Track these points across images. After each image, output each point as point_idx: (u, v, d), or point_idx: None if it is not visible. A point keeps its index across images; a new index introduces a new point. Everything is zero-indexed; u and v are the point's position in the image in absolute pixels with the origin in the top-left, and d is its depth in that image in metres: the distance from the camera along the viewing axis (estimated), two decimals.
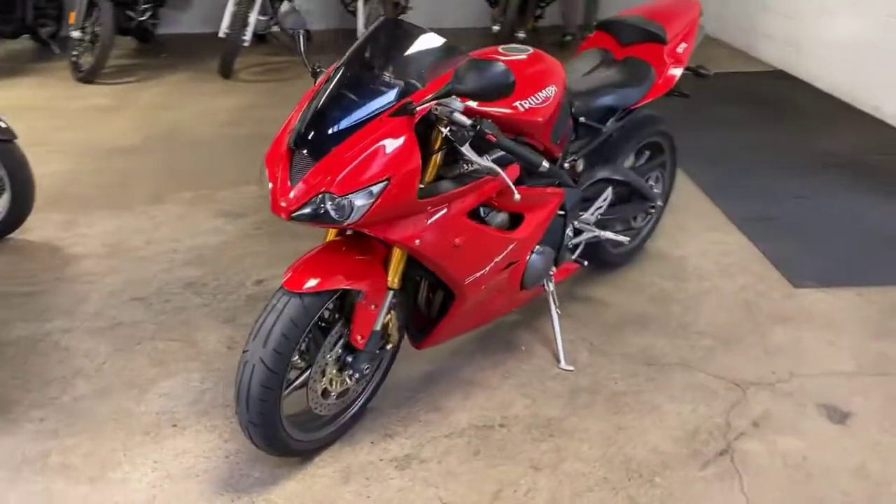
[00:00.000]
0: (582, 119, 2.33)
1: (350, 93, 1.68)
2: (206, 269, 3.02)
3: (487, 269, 2.00)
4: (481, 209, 2.03)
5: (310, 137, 1.66)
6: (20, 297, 2.84)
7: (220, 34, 5.94)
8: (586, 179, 2.47)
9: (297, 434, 1.89)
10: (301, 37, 1.94)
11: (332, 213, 1.60)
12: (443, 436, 2.10)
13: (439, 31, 1.85)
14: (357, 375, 1.93)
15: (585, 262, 2.60)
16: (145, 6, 6.54)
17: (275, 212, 1.67)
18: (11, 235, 3.27)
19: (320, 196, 1.60)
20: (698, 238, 3.23)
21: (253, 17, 6.01)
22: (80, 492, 1.91)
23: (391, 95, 1.66)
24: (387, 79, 1.71)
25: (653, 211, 2.89)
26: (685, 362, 2.41)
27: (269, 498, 1.89)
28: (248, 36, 5.99)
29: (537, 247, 2.19)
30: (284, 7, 1.67)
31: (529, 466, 1.99)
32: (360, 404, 2.09)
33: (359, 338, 1.87)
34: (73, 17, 5.91)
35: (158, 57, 6.85)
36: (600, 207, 2.51)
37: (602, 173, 2.50)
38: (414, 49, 1.75)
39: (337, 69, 1.78)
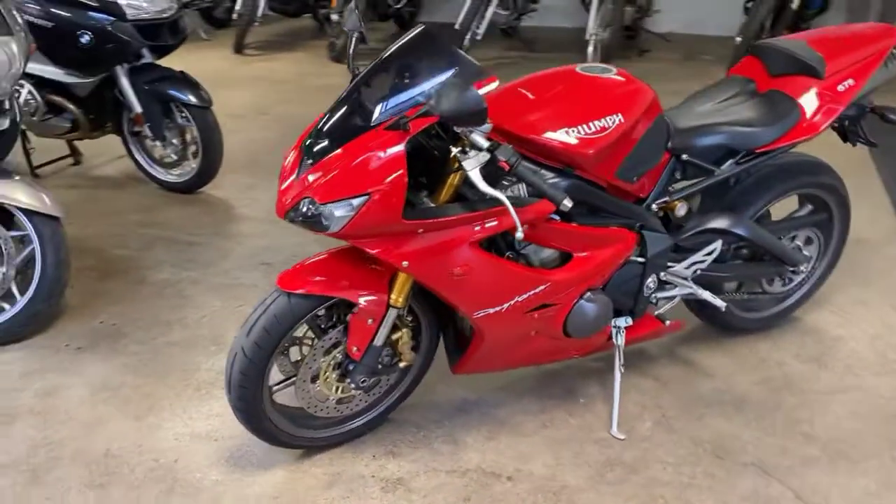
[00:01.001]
0: (685, 157, 2.00)
1: (360, 99, 1.62)
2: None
3: (506, 306, 1.82)
4: (516, 241, 1.85)
5: (316, 140, 1.64)
6: (181, 245, 3.25)
7: (456, 26, 6.12)
8: (691, 227, 2.13)
9: (289, 427, 1.92)
10: (353, 39, 1.93)
11: (313, 220, 1.58)
12: (444, 470, 1.99)
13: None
14: (354, 386, 1.89)
15: (679, 323, 2.25)
16: None
17: (276, 210, 1.70)
18: (203, 190, 3.74)
19: (303, 201, 1.59)
20: (875, 318, 2.62)
21: (490, 11, 6.10)
22: (121, 426, 2.15)
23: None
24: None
25: (793, 277, 2.40)
26: (765, 466, 1.99)
27: (256, 480, 1.95)
28: (481, 30, 6.10)
29: (589, 293, 1.94)
30: (349, 7, 1.65)
31: None
32: (373, 415, 2.06)
33: (354, 349, 1.84)
34: (334, 1, 6.53)
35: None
36: (702, 262, 2.14)
37: (713, 223, 2.13)
38: (434, 63, 1.63)
39: (357, 74, 1.74)
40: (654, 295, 2.12)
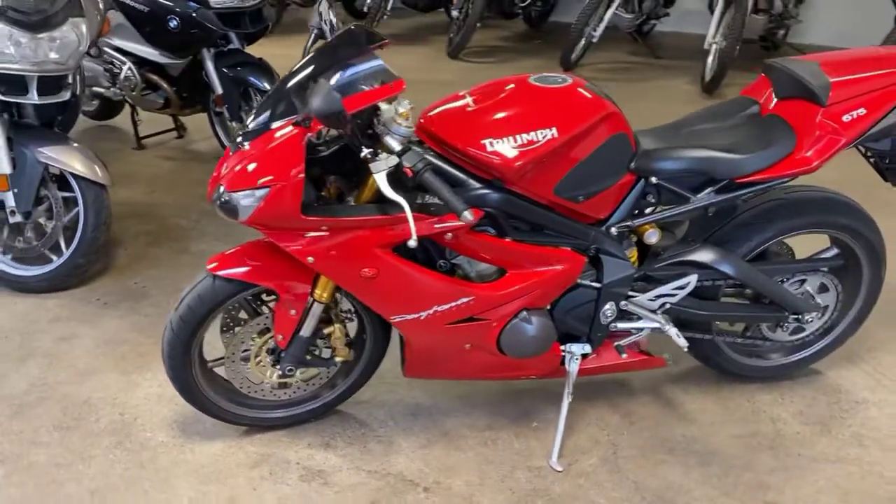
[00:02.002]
0: (654, 180, 1.84)
1: (284, 91, 1.65)
2: None
3: (424, 314, 1.79)
4: (447, 252, 1.81)
5: (243, 131, 1.70)
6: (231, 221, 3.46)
7: (572, 28, 5.99)
8: (668, 257, 1.97)
9: (225, 403, 2.01)
10: (313, 35, 1.96)
11: (225, 207, 1.64)
12: (367, 470, 1.99)
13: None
14: (281, 373, 1.95)
15: (668, 358, 2.09)
16: None
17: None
18: None
19: (218, 188, 1.65)
20: None
21: (609, 14, 5.90)
22: (108, 379, 2.35)
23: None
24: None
25: (804, 326, 2.14)
26: None
27: (194, 448, 2.07)
28: (598, 32, 5.92)
29: (525, 312, 1.85)
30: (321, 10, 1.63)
31: None
32: (316, 405, 2.10)
33: (279, 337, 1.89)
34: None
35: (531, 42, 7.22)
36: (671, 295, 1.96)
37: (689, 255, 1.95)
38: (355, 63, 1.62)
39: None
40: (613, 324, 1.97)
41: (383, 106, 1.64)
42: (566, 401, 2.03)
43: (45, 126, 2.89)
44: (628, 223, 1.88)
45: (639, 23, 6.45)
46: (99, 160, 2.85)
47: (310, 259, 1.69)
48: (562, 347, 2.00)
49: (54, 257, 2.83)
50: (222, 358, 2.00)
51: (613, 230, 1.88)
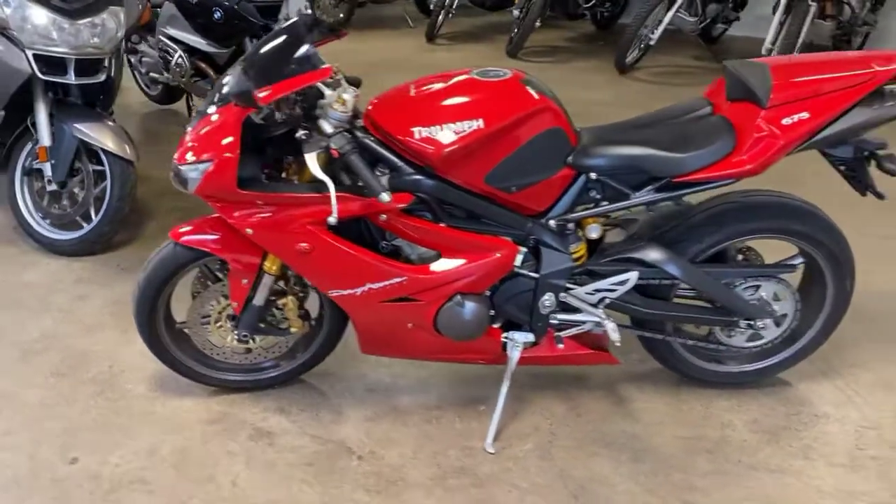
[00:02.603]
0: (594, 176, 1.88)
1: (238, 71, 1.79)
2: None
3: (359, 290, 1.89)
4: (387, 234, 1.92)
5: (198, 109, 1.86)
6: None
7: (626, 30, 5.94)
8: (613, 252, 2.00)
9: (189, 362, 2.19)
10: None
11: (177, 178, 1.81)
12: (311, 435, 2.12)
13: None
14: (237, 339, 2.10)
15: (610, 357, 2.12)
16: None
17: None
18: None
19: (172, 161, 1.82)
20: (890, 409, 2.20)
21: (668, 16, 5.81)
22: (109, 335, 2.58)
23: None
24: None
25: (762, 334, 2.11)
26: None
27: (165, 403, 2.25)
28: (655, 35, 5.85)
29: (459, 296, 1.93)
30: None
31: (323, 501, 1.89)
32: (278, 373, 2.24)
33: (234, 304, 2.04)
34: None
35: (595, 44, 7.18)
36: (610, 290, 1.99)
37: (632, 252, 1.97)
38: (278, 51, 1.74)
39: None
40: (554, 315, 2.02)
41: (326, 92, 1.76)
42: (504, 387, 2.08)
43: (87, 105, 3.18)
44: (566, 216, 1.92)
45: (702, 26, 6.29)
46: (129, 138, 3.10)
47: (248, 231, 1.83)
48: (504, 335, 2.06)
49: (84, 224, 3.11)
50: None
51: (552, 223, 1.93)
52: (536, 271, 1.96)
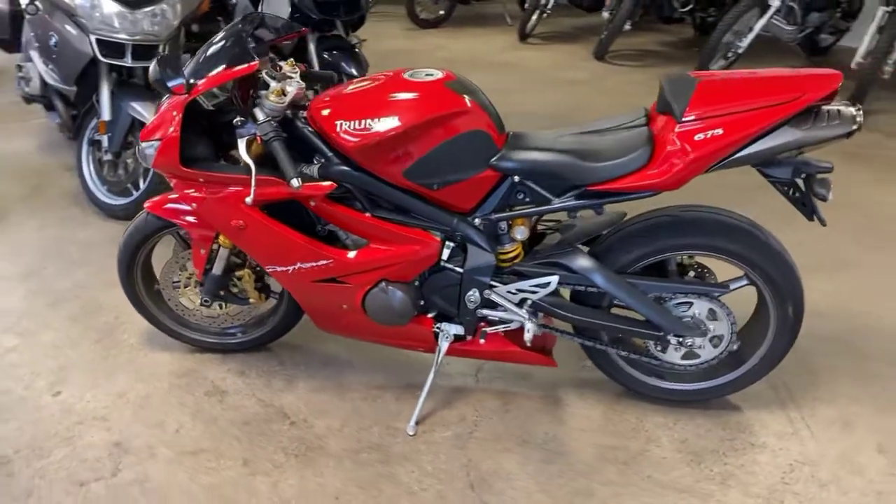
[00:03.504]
0: (517, 179, 1.94)
1: (198, 56, 1.99)
2: None
3: (290, 269, 2.06)
4: (322, 220, 2.07)
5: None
6: None
7: (711, 36, 5.73)
8: (539, 256, 2.05)
9: (166, 320, 2.44)
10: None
11: (140, 155, 2.05)
12: (257, 398, 2.32)
13: None
14: (201, 303, 2.33)
15: (545, 359, 2.17)
16: None
17: None
18: None
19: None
20: (840, 448, 2.10)
21: (760, 24, 5.55)
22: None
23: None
24: None
25: (697, 353, 2.08)
26: None
27: (147, 354, 2.53)
28: (745, 42, 5.60)
29: (384, 282, 2.05)
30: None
31: (243, 460, 2.08)
32: (245, 339, 2.46)
33: (196, 271, 2.27)
34: (608, 0, 6.59)
35: (689, 50, 6.95)
36: (532, 292, 2.03)
37: (556, 257, 2.01)
38: (221, 45, 1.93)
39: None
40: (480, 311, 2.09)
41: (271, 84, 1.93)
42: (431, 374, 2.18)
43: (147, 87, 3.55)
44: (490, 216, 1.99)
45: (804, 35, 5.94)
46: None
47: (193, 205, 2.04)
48: (436, 325, 2.15)
49: (134, 191, 3.48)
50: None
51: (477, 221, 2.00)
52: (461, 266, 2.04)
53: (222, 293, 2.32)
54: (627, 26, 6.40)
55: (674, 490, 1.96)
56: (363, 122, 1.86)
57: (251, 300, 2.33)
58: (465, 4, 9.16)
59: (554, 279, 2.01)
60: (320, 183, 1.93)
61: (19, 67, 3.85)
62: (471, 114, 1.88)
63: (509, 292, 2.05)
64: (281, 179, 1.92)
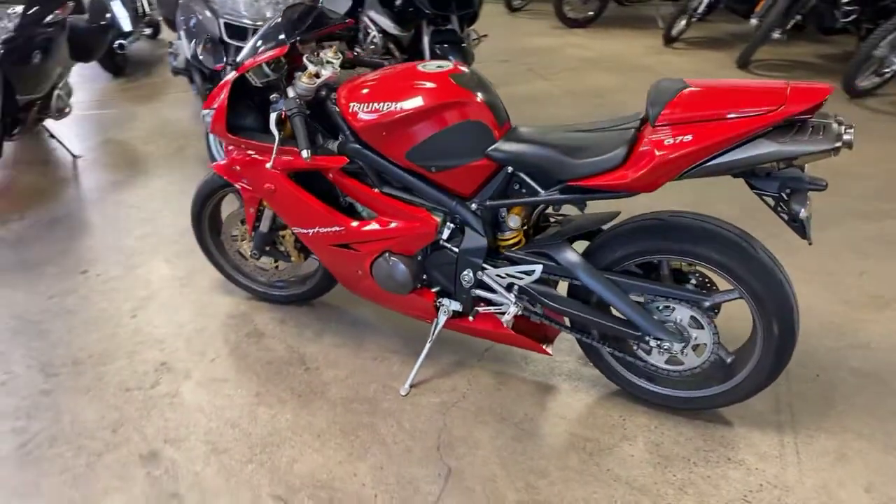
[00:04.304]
0: (510, 170, 2.07)
1: (252, 40, 2.31)
2: None
3: (311, 231, 2.33)
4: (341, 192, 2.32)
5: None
6: None
7: (860, 50, 5.31)
8: (530, 245, 2.17)
9: (227, 266, 2.82)
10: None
11: (204, 121, 2.40)
12: (287, 345, 2.62)
13: None
14: (251, 255, 2.67)
15: (537, 346, 2.28)
16: (847, 9, 6.17)
17: None
18: None
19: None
20: (835, 476, 2.03)
21: None
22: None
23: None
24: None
25: (682, 360, 2.10)
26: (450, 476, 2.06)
27: (211, 295, 2.93)
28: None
29: (388, 253, 2.26)
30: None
31: (255, 392, 2.39)
32: (290, 293, 2.79)
33: (247, 227, 2.61)
34: (760, 5, 6.28)
35: (847, 63, 6.44)
36: (518, 278, 2.14)
37: (544, 246, 2.11)
38: (278, 32, 2.20)
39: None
40: (474, 290, 2.24)
41: (310, 67, 2.21)
42: (428, 343, 2.36)
43: None
44: (486, 203, 2.13)
45: None
46: None
47: (236, 167, 2.36)
48: (438, 300, 2.33)
49: None
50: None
51: (474, 206, 2.15)
52: (458, 247, 2.20)
53: (268, 249, 2.64)
54: (777, 35, 6.08)
55: (628, 486, 2.00)
56: (371, 105, 2.08)
57: (292, 258, 2.63)
58: (620, 5, 9.05)
59: (538, 268, 2.11)
60: (332, 157, 2.17)
61: (170, 44, 4.48)
62: (470, 105, 2.03)
63: (499, 276, 2.17)
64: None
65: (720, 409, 2.25)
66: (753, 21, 6.27)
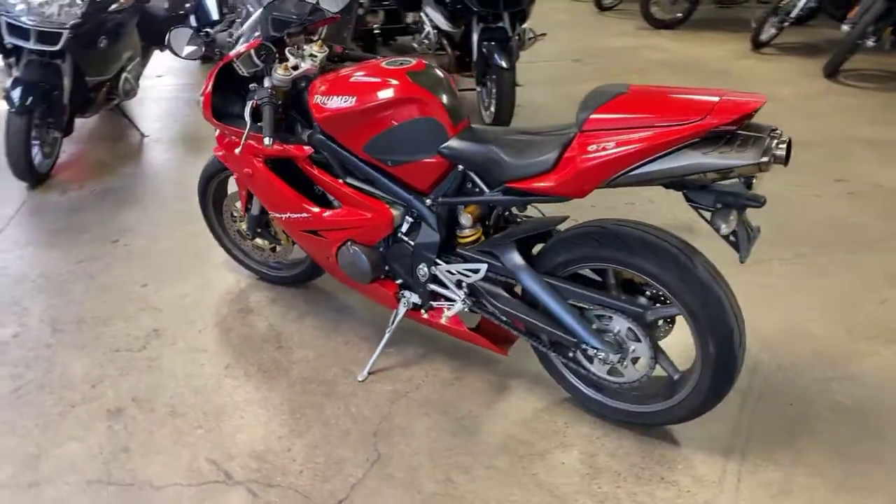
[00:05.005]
0: (460, 167, 2.10)
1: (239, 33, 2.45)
2: None
3: (283, 216, 2.44)
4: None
5: None
6: None
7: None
8: (481, 244, 2.19)
9: (229, 243, 2.99)
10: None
11: (200, 106, 2.57)
12: (268, 322, 2.76)
13: None
14: (244, 233, 2.82)
15: (494, 346, 2.29)
16: None
17: None
18: None
19: None
20: (749, 502, 1.95)
21: None
22: None
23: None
24: None
25: (622, 372, 2.06)
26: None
27: (222, 271, 3.12)
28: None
29: (350, 242, 2.34)
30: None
31: (226, 364, 2.54)
32: (282, 274, 2.93)
33: (241, 209, 2.77)
34: (853, 11, 5.88)
35: None
36: (465, 275, 2.16)
37: (490, 246, 2.12)
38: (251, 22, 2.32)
39: None
40: (429, 284, 2.28)
41: (290, 59, 2.32)
42: (387, 334, 2.43)
43: None
44: (438, 199, 2.17)
45: None
46: None
47: (220, 152, 2.51)
48: (400, 291, 2.39)
49: None
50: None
51: (429, 202, 2.19)
52: (413, 240, 2.25)
53: (259, 231, 2.79)
54: (871, 43, 5.67)
55: (547, 493, 1.99)
56: (331, 97, 2.16)
57: (282, 241, 2.76)
58: (720, 6, 8.73)
59: (484, 267, 2.12)
60: (295, 146, 2.27)
61: None
62: (423, 102, 2.07)
63: (448, 272, 2.20)
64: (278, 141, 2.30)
65: (673, 426, 2.18)
66: (845, 27, 5.87)
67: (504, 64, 4.33)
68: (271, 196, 2.45)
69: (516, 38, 4.64)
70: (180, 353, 2.59)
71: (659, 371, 2.07)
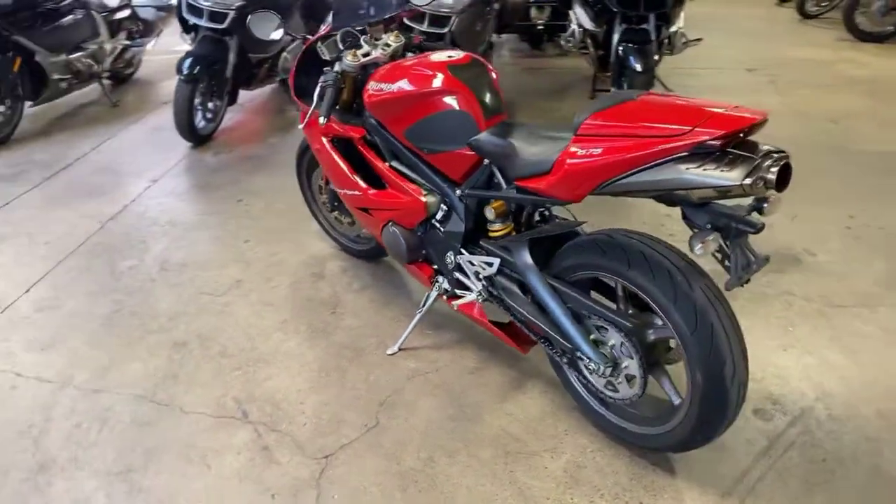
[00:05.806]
0: (486, 161, 2.15)
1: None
2: None
3: (342, 192, 2.62)
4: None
5: None
6: None
7: None
8: (500, 239, 2.22)
9: (316, 211, 3.24)
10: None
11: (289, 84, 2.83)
12: (331, 288, 2.98)
13: None
14: (326, 206, 3.07)
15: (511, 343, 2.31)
16: None
17: None
18: None
19: None
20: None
21: None
22: None
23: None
24: None
25: (617, 386, 2.00)
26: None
27: (309, 238, 3.41)
28: None
29: (391, 223, 2.47)
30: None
31: (283, 320, 2.80)
32: (358, 248, 3.14)
33: (324, 182, 3.01)
34: None
35: None
36: (480, 268, 2.19)
37: (506, 241, 2.15)
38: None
39: None
40: (454, 272, 2.36)
41: (364, 47, 2.50)
42: (418, 315, 2.53)
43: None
44: (467, 191, 2.23)
45: None
46: None
47: (300, 126, 2.74)
48: (435, 276, 2.49)
49: None
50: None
51: (458, 192, 2.27)
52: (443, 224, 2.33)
53: (336, 204, 3.01)
54: None
55: (517, 491, 1.99)
56: (380, 85, 2.30)
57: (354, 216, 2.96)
58: None
59: (496, 261, 2.15)
60: (353, 127, 2.44)
61: None
62: (458, 95, 2.13)
63: (470, 262, 2.26)
64: (340, 122, 2.49)
65: (677, 455, 2.07)
66: None
67: (638, 67, 4.21)
68: (333, 171, 2.65)
69: (666, 41, 4.48)
70: (250, 303, 2.88)
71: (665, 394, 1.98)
